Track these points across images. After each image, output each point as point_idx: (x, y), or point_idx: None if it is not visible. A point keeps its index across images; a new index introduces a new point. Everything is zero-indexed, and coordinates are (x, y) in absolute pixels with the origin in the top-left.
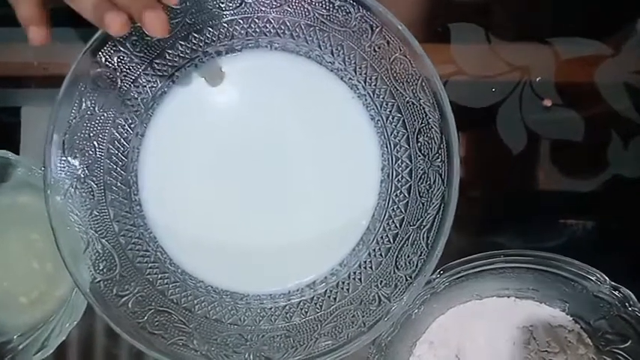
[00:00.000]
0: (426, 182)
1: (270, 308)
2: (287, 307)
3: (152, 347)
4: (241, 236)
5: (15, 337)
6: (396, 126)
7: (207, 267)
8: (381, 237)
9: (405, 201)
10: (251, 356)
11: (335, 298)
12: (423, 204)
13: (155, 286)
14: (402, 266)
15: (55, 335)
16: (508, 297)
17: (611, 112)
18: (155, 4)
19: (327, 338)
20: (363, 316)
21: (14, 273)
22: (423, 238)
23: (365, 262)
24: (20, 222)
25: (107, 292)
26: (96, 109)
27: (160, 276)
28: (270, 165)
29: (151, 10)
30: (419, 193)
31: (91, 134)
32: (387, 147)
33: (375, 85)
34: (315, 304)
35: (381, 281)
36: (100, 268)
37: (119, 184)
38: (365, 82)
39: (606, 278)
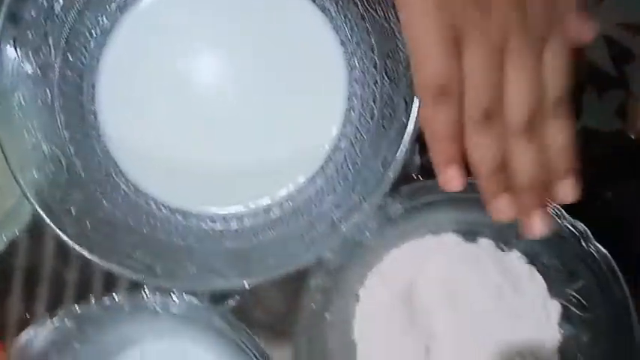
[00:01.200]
0: (390, 107)
1: (221, 230)
2: (239, 230)
3: (94, 254)
4: (197, 154)
5: None
6: (365, 51)
7: (160, 183)
8: (342, 163)
9: (367, 126)
10: (196, 271)
11: (288, 223)
12: (384, 128)
13: (104, 196)
14: (357, 190)
15: None
16: (464, 234)
17: (588, 63)
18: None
19: (274, 259)
20: (312, 236)
21: None
22: (381, 161)
23: (322, 187)
24: None
25: (51, 197)
26: (56, 7)
27: (109, 188)
28: (231, 84)
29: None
30: (382, 118)
31: (48, 33)
32: (354, 72)
33: (347, 8)
34: (269, 227)
35: (336, 205)
36: (46, 171)
37: (73, 92)
38: (337, 4)
39: (564, 213)
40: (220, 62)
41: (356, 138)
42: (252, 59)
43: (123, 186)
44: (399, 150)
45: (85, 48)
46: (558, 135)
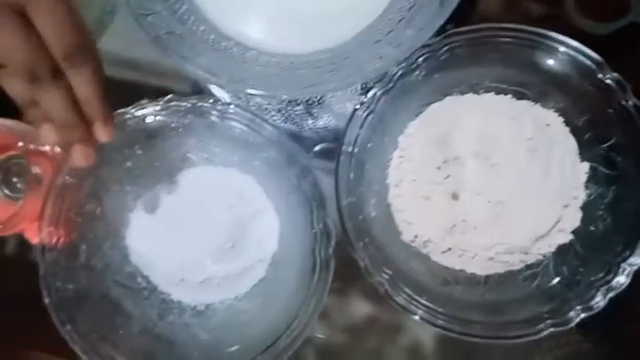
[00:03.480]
0: None
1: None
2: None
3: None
4: None
5: None
6: None
7: (233, 18)
8: (396, 11)
9: None
10: None
11: (339, 56)
12: None
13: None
14: (411, 26)
15: None
16: (505, 94)
17: None
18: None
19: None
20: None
21: None
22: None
23: (374, 34)
24: None
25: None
26: None
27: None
28: None
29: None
30: None
31: None
32: None
33: None
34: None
35: (387, 42)
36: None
37: None
38: None
39: (606, 66)
40: None
41: None
42: None
43: None
44: None
45: None
46: (81, 86)
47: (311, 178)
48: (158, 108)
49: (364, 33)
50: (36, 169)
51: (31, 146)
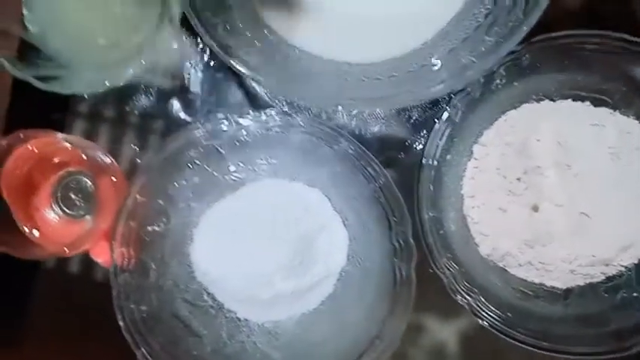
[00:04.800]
0: None
1: (346, 71)
2: (366, 73)
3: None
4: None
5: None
6: None
7: (294, 28)
8: (470, 18)
9: None
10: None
11: (416, 65)
12: None
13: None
14: (492, 34)
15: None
16: (582, 101)
17: None
18: None
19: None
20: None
21: (96, 15)
22: (520, 9)
23: (450, 40)
24: None
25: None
26: None
27: (252, 29)
28: None
29: None
30: None
31: None
32: None
33: None
34: (392, 71)
35: (468, 50)
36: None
37: None
38: None
39: None
40: None
41: None
42: None
43: None
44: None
45: None
46: None
47: (391, 194)
48: (227, 123)
49: (437, 40)
50: (97, 186)
51: (93, 161)
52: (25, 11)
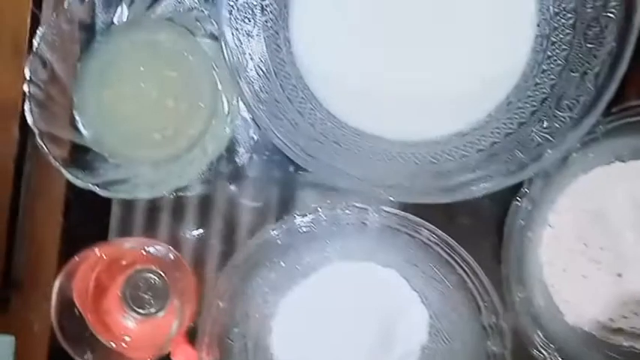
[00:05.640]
0: (596, 28)
1: (414, 153)
2: (432, 153)
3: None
4: (391, 81)
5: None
6: None
7: (354, 110)
8: (535, 88)
9: (565, 52)
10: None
11: (486, 142)
12: (589, 49)
13: (304, 118)
14: (563, 108)
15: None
16: None
17: None
18: None
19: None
20: (522, 154)
21: (149, 110)
22: (590, 81)
23: (516, 112)
24: (156, 59)
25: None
26: None
27: (308, 109)
28: (424, 8)
29: None
30: (584, 40)
31: None
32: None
33: None
34: (463, 149)
35: (539, 125)
36: (256, 89)
37: (272, 17)
38: None
39: None
40: None
41: (552, 63)
42: None
43: (320, 109)
44: (617, 73)
45: None
46: None
47: (479, 280)
48: (308, 219)
49: (501, 111)
50: (166, 280)
51: (158, 257)
52: (77, 115)
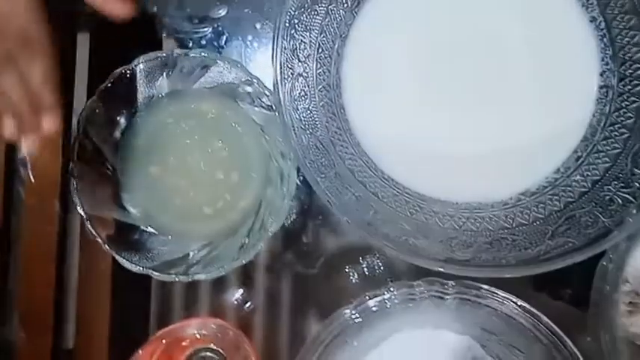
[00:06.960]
0: None
1: (482, 216)
2: (497, 213)
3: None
4: (449, 142)
5: (198, 247)
6: (624, 27)
7: (413, 174)
8: (605, 143)
9: (636, 104)
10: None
11: (559, 203)
12: None
13: (367, 188)
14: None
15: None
16: None
17: None
18: None
19: (559, 239)
20: (603, 217)
21: (199, 183)
22: None
23: (587, 168)
24: (202, 130)
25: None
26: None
27: (369, 178)
28: (481, 66)
29: None
30: None
31: (306, 27)
32: (610, 50)
33: None
34: (535, 211)
35: (616, 183)
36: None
37: (325, 85)
38: None
39: None
40: (470, 45)
41: (621, 116)
42: (501, 41)
43: (381, 176)
44: None
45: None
46: (35, 72)
47: (568, 350)
48: (387, 296)
49: (569, 169)
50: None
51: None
52: (123, 194)
